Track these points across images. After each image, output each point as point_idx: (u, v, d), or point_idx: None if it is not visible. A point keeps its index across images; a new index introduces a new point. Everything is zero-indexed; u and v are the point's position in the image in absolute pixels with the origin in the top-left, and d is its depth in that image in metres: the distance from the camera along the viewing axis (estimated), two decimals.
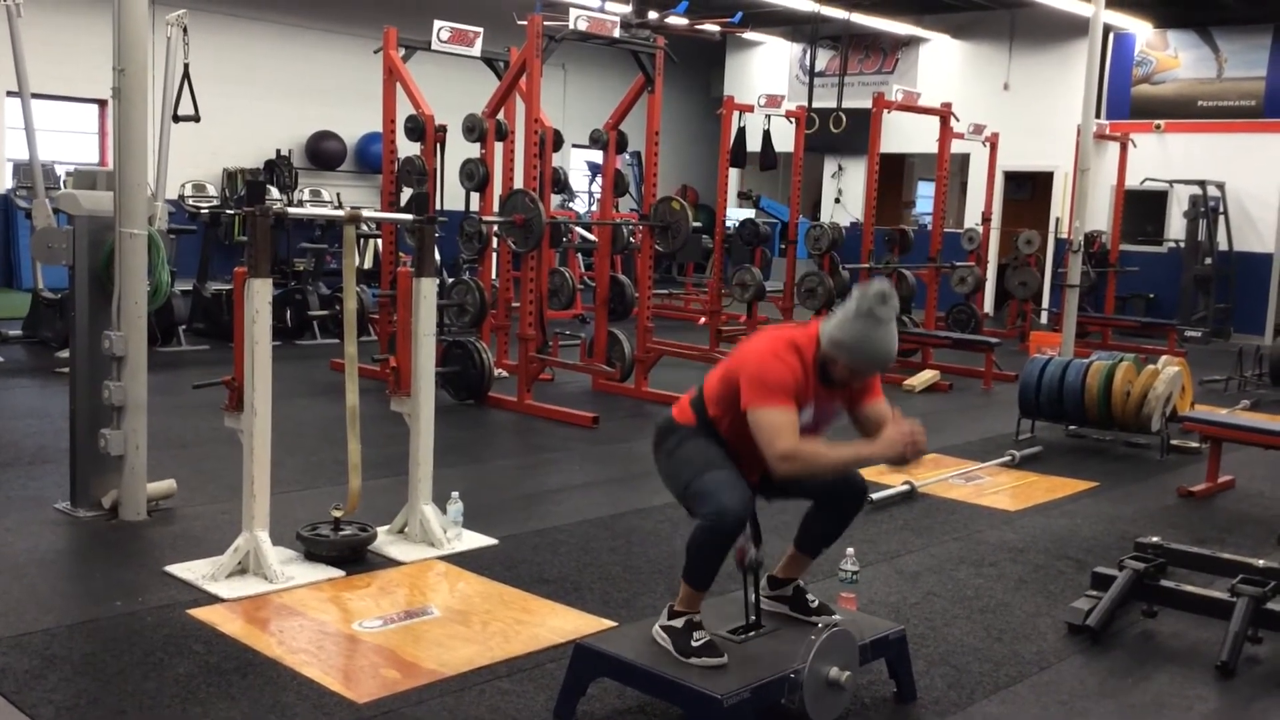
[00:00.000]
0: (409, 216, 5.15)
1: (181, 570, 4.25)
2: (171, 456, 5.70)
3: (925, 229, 14.12)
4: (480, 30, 8.61)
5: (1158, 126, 15.09)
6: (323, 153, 15.25)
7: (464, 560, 4.57)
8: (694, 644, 3.10)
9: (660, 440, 3.33)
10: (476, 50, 8.64)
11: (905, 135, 15.40)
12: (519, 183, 7.93)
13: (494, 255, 9.17)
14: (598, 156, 10.92)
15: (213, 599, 4.01)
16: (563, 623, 3.95)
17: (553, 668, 3.53)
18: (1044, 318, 14.63)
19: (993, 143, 12.83)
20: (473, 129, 8.79)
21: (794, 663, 2.95)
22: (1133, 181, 14.14)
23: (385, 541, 4.67)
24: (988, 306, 15.17)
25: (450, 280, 9.18)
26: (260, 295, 4.20)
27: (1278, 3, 13.65)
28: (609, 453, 6.80)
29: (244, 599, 4.03)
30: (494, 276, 9.12)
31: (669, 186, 16.44)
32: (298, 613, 3.95)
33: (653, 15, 10.75)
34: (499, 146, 8.99)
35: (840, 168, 18.20)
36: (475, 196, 9.04)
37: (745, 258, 12.44)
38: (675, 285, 16.43)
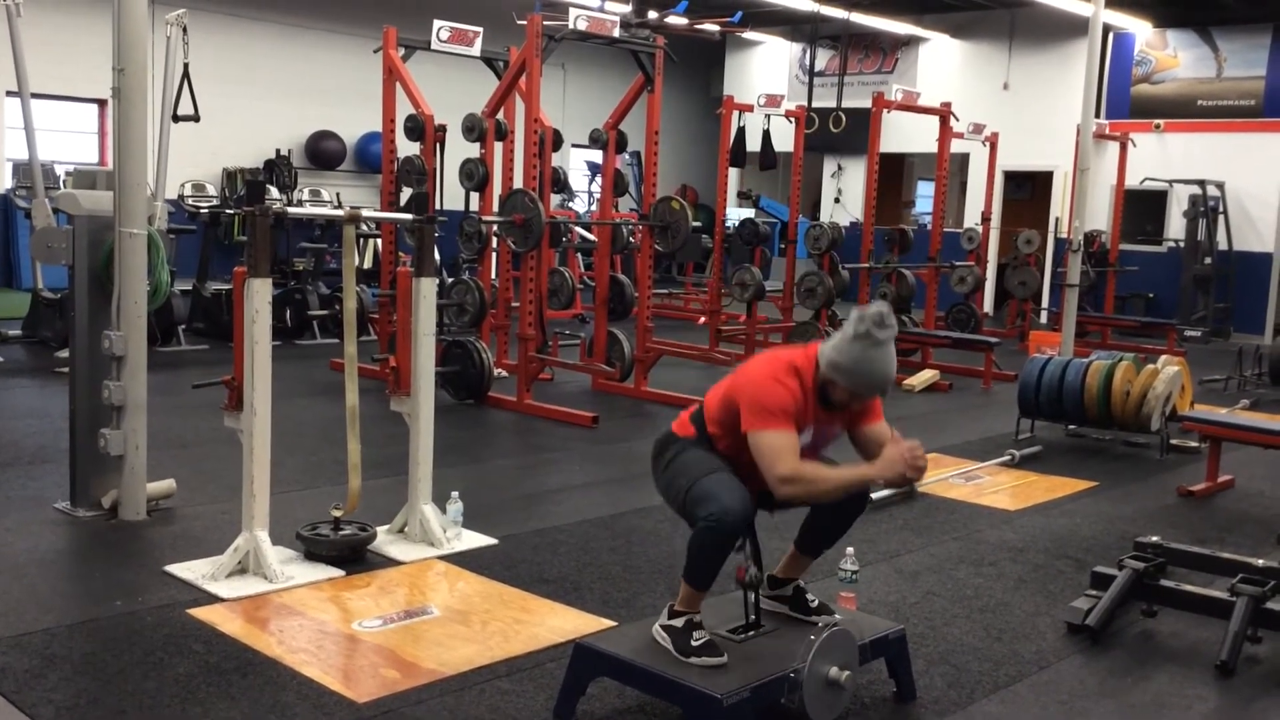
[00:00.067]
0: (409, 216, 5.15)
1: (181, 570, 4.25)
2: (171, 456, 5.70)
3: (925, 228, 14.12)
4: (480, 30, 8.61)
5: (1157, 126, 15.09)
6: (322, 152, 15.26)
7: (464, 560, 4.57)
8: (694, 643, 3.10)
9: (659, 453, 3.33)
10: (476, 50, 8.64)
11: (905, 135, 15.40)
12: (518, 182, 7.93)
13: (494, 255, 9.17)
14: (597, 156, 10.92)
15: (212, 599, 4.01)
16: (562, 622, 3.95)
17: (552, 667, 3.53)
18: (1043, 317, 14.63)
19: (992, 142, 12.83)
20: (472, 129, 8.79)
21: (794, 662, 2.95)
22: (1132, 181, 14.15)
23: (385, 541, 4.67)
24: (987, 306, 15.18)
25: (450, 280, 9.18)
26: (260, 295, 4.20)
27: (1277, 2, 13.65)
28: (609, 452, 6.80)
29: (244, 599, 4.03)
30: (494, 276, 9.12)
31: (668, 186, 16.44)
32: (297, 612, 3.95)
33: (652, 15, 10.76)
34: (499, 146, 9.00)
35: (840, 167, 18.21)
36: (475, 196, 9.04)
37: (745, 257, 12.44)
38: (675, 285, 16.43)
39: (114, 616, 3.83)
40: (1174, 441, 7.27)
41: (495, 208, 8.56)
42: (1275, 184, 14.30)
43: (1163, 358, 7.63)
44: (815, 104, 13.61)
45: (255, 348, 4.20)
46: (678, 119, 18.30)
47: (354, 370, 4.63)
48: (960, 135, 11.83)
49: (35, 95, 7.76)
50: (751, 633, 3.27)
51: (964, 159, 16.31)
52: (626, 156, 14.12)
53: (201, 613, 3.89)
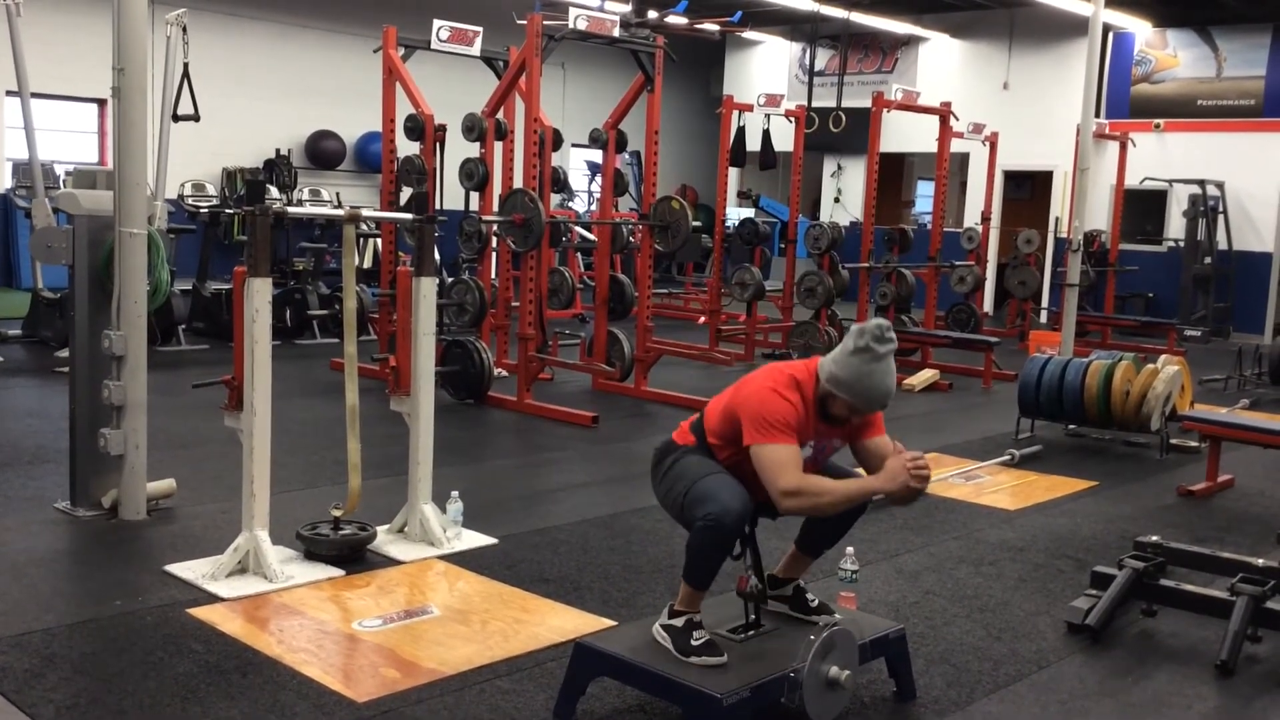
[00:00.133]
0: (408, 216, 5.15)
1: (181, 569, 4.25)
2: (171, 456, 5.70)
3: (925, 228, 14.12)
4: (480, 29, 8.61)
5: (1157, 126, 15.09)
6: (322, 152, 15.26)
7: (463, 559, 4.57)
8: (694, 643, 3.10)
9: (658, 461, 3.33)
10: (476, 49, 8.64)
11: (905, 134, 15.41)
12: (518, 182, 7.92)
13: (493, 254, 9.17)
14: (597, 156, 10.92)
15: (212, 598, 4.01)
16: (562, 622, 3.95)
17: (552, 667, 3.53)
18: (1043, 317, 14.64)
19: (992, 142, 12.84)
20: (472, 128, 8.79)
21: (794, 662, 2.95)
22: (1132, 181, 14.15)
23: (385, 541, 4.67)
24: (987, 306, 15.18)
25: (450, 280, 9.18)
26: (260, 294, 4.20)
27: (1277, 2, 13.65)
28: (609, 452, 6.80)
29: (244, 598, 4.03)
30: (493, 276, 9.12)
31: (668, 186, 16.44)
32: (297, 612, 3.95)
33: (652, 14, 10.76)
34: (498, 146, 9.00)
35: (840, 167, 18.21)
36: (475, 196, 9.04)
37: (745, 257, 12.46)
38: (675, 285, 16.43)
39: (114, 616, 3.83)
40: (1174, 441, 7.27)
41: (495, 207, 8.56)
42: (1275, 184, 14.31)
43: (1162, 357, 7.63)
44: (815, 104, 13.61)
45: (255, 347, 4.20)
46: (678, 119, 18.31)
47: (354, 370, 4.63)
48: (960, 135, 11.83)
49: (35, 95, 7.76)
50: (751, 632, 3.27)
51: (964, 159, 16.31)
52: (626, 156, 14.12)
53: (201, 612, 3.89)
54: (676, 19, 11.01)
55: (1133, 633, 4.13)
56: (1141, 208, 15.28)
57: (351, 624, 3.88)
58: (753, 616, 3.30)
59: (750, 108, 11.50)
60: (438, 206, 8.59)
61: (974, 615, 4.23)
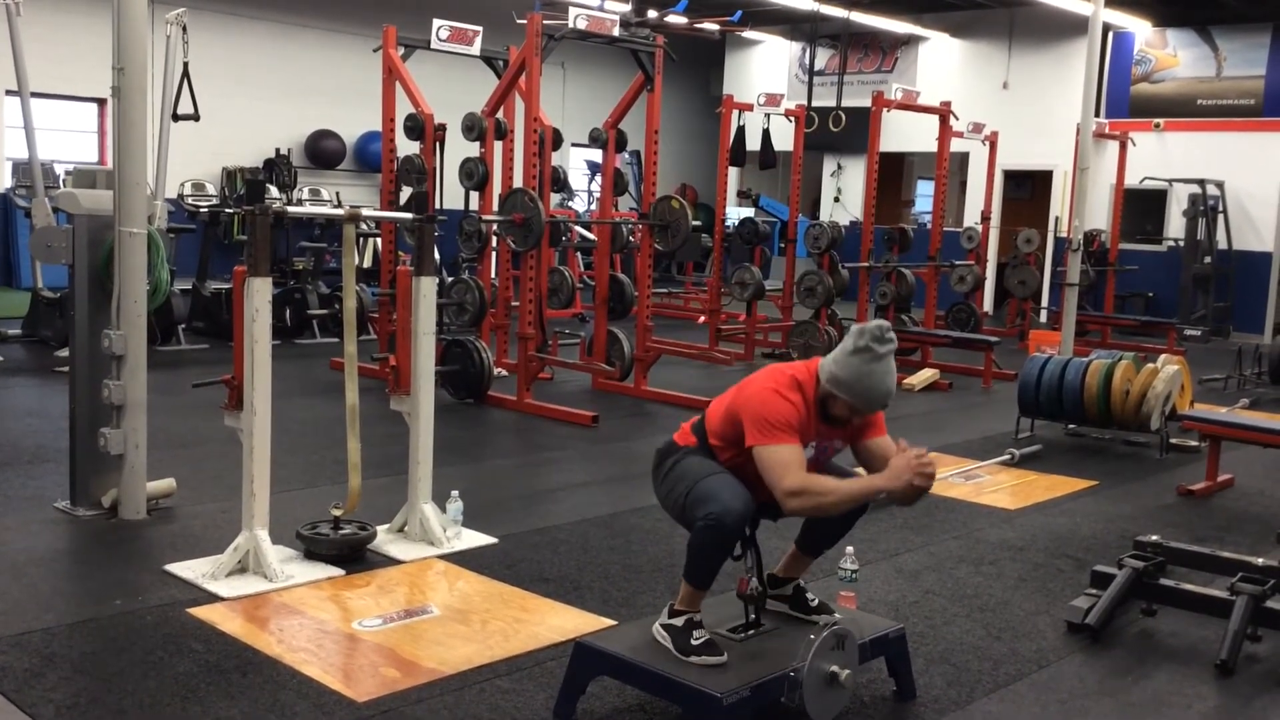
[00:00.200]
0: (408, 215, 5.15)
1: (181, 569, 4.25)
2: (171, 455, 5.70)
3: (925, 228, 14.12)
4: (479, 29, 8.61)
5: (1157, 125, 15.09)
6: (322, 151, 15.25)
7: (463, 559, 4.57)
8: (694, 642, 3.10)
9: (660, 462, 3.33)
10: (476, 49, 8.64)
11: (904, 134, 15.41)
12: (518, 181, 7.92)
13: (493, 254, 9.17)
14: (597, 155, 10.92)
15: (212, 598, 4.01)
16: (562, 621, 3.95)
17: (552, 666, 3.53)
18: (1043, 316, 14.64)
19: (992, 141, 12.84)
20: (472, 128, 8.79)
21: (794, 661, 2.95)
22: (1132, 180, 14.15)
23: (385, 540, 4.67)
24: (987, 305, 15.18)
25: (450, 279, 9.18)
26: (260, 294, 4.20)
27: (1277, 2, 13.65)
28: (608, 451, 6.80)
29: (244, 598, 4.03)
30: (493, 275, 9.12)
31: (668, 185, 16.44)
32: (297, 611, 3.95)
33: (652, 14, 10.76)
34: (498, 145, 8.99)
35: (839, 166, 18.21)
36: (475, 195, 9.04)
37: (745, 256, 12.46)
38: (675, 284, 16.43)
39: (114, 616, 3.83)
40: (1174, 440, 7.28)
41: (495, 207, 8.56)
42: (1275, 183, 14.31)
43: (1162, 357, 7.63)
44: (815, 103, 13.61)
45: (255, 347, 4.20)
46: (677, 118, 18.31)
47: (354, 369, 4.63)
48: (960, 134, 11.83)
49: (35, 94, 7.75)
50: (751, 632, 3.27)
51: (964, 158, 16.31)
52: (626, 155, 14.12)
53: (201, 612, 3.89)
54: (676, 18, 11.01)
55: (1132, 632, 4.13)
56: (1141, 207, 15.28)
57: (351, 623, 3.88)
58: (753, 616, 3.30)
59: (750, 107, 11.50)
60: (437, 206, 8.60)
61: (974, 615, 4.23)
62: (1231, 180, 14.36)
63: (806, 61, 16.88)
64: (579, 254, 13.39)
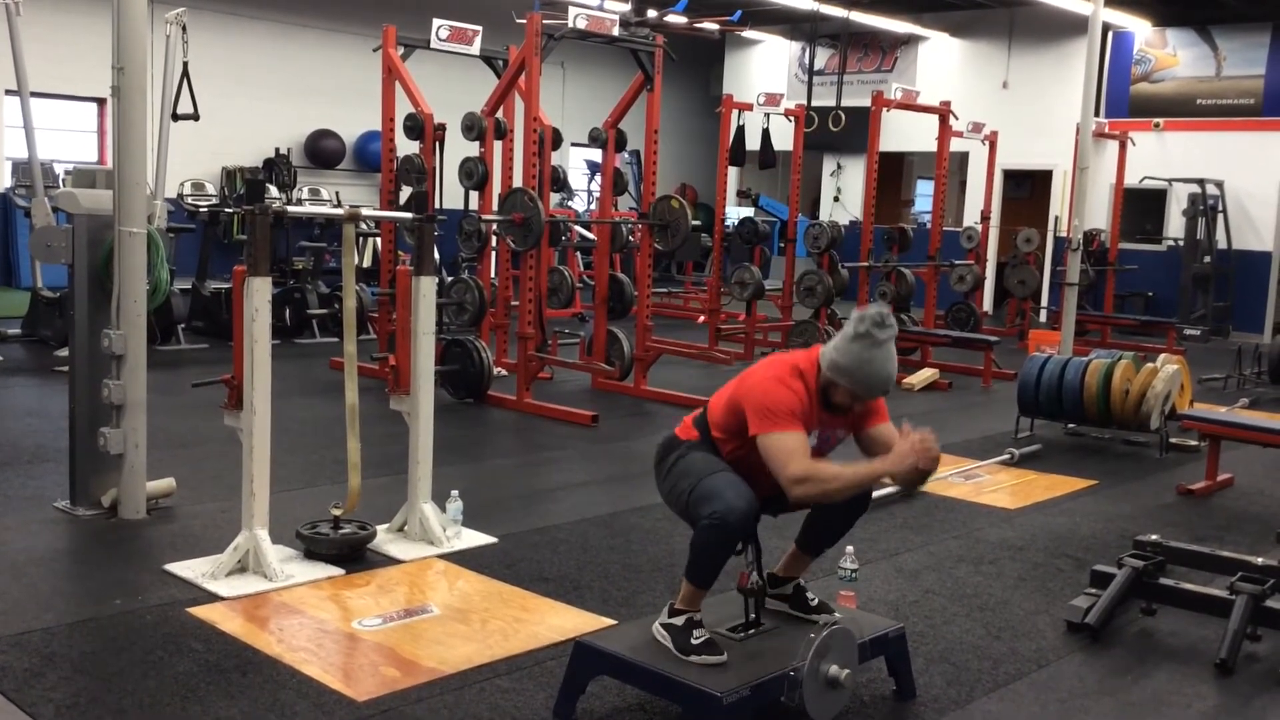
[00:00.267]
0: (408, 215, 5.15)
1: (181, 569, 4.25)
2: (171, 455, 5.70)
3: (924, 227, 14.12)
4: (479, 28, 8.61)
5: (1157, 125, 15.09)
6: (322, 151, 15.25)
7: (463, 558, 4.57)
8: (694, 642, 3.10)
9: (662, 457, 3.33)
10: (475, 49, 8.64)
11: (904, 134, 15.40)
12: (518, 181, 7.93)
13: (493, 254, 9.17)
14: (597, 155, 10.93)
15: (212, 597, 4.01)
16: (562, 621, 3.95)
17: (552, 665, 3.53)
18: (1043, 316, 14.64)
19: (992, 141, 12.84)
20: (472, 127, 8.79)
21: (793, 660, 2.95)
22: (1132, 180, 14.15)
23: (385, 540, 4.67)
24: (987, 305, 15.18)
25: (449, 279, 9.18)
26: (259, 294, 4.20)
27: (1276, 1, 13.65)
28: (608, 451, 6.80)
29: (244, 597, 4.03)
30: (493, 275, 9.12)
31: (668, 185, 16.44)
32: (297, 611, 3.95)
33: (652, 14, 10.77)
34: (498, 145, 9.00)
35: (839, 166, 18.21)
36: (474, 195, 9.04)
37: (744, 256, 12.46)
38: (674, 284, 16.43)
39: (114, 615, 3.83)
40: (1173, 440, 7.28)
41: (495, 206, 8.56)
42: (1274, 183, 14.31)
43: (1162, 356, 7.63)
44: (815, 103, 13.61)
45: (255, 346, 4.20)
46: (677, 118, 18.30)
47: (353, 369, 4.63)
48: (960, 134, 11.83)
49: (35, 94, 7.75)
50: (751, 631, 3.27)
51: (963, 158, 16.31)
52: (626, 155, 14.12)
53: (201, 611, 3.89)
54: (676, 18, 11.02)
55: (1132, 631, 4.13)
56: (1141, 207, 15.28)
57: (351, 623, 3.88)
58: (753, 615, 3.30)
59: (750, 107, 11.49)
60: (437, 205, 8.61)
61: (973, 614, 4.23)
62: (1231, 180, 14.36)
63: (806, 61, 16.88)
64: (579, 254, 13.39)
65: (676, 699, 3.06)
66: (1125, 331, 13.22)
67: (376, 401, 6.38)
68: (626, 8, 11.24)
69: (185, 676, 3.38)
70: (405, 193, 9.19)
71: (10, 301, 11.27)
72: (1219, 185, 14.29)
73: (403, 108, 8.70)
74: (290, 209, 4.96)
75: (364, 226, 10.46)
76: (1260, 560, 4.17)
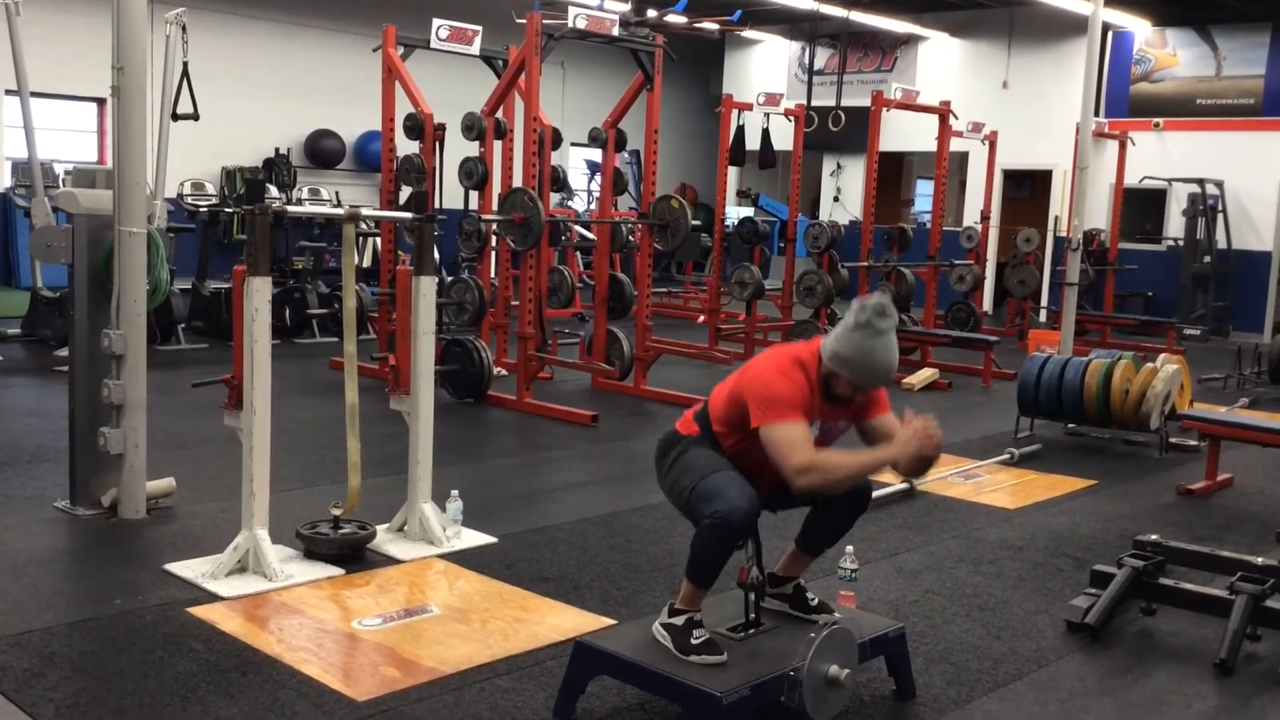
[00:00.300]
0: (408, 215, 5.15)
1: (181, 568, 4.25)
2: (171, 455, 5.70)
3: (924, 227, 14.12)
4: (479, 28, 8.61)
5: (1156, 125, 15.09)
6: (322, 151, 15.25)
7: (463, 558, 4.57)
8: (694, 641, 3.10)
9: (664, 453, 3.33)
10: (475, 48, 8.64)
11: (904, 133, 15.40)
12: (518, 181, 7.93)
13: (493, 253, 9.17)
14: (597, 155, 10.92)
15: (212, 597, 4.01)
16: (562, 620, 3.95)
17: (552, 665, 3.53)
18: (1043, 316, 14.64)
19: (992, 141, 12.84)
20: (471, 127, 8.79)
21: (793, 660, 2.95)
22: (1131, 180, 14.15)
23: (384, 540, 4.67)
24: (987, 304, 15.19)
25: (449, 278, 9.18)
26: (259, 293, 4.20)
27: (1276, 1, 13.65)
28: (608, 451, 6.80)
29: (243, 597, 4.03)
30: (493, 275, 9.12)
31: (668, 185, 16.44)
32: (297, 611, 3.95)
33: (652, 13, 10.77)
34: (498, 145, 9.00)
35: (839, 166, 18.21)
36: (474, 195, 9.05)
37: (744, 256, 12.46)
38: (674, 284, 16.43)
39: (114, 615, 3.83)
40: (1173, 440, 7.28)
41: (495, 206, 8.56)
42: (1274, 182, 14.31)
43: (1162, 356, 7.63)
44: (814, 102, 13.61)
45: (255, 346, 4.20)
46: (677, 117, 18.30)
47: (353, 369, 4.63)
48: (959, 134, 11.83)
49: (34, 94, 7.75)
50: (751, 631, 3.27)
51: (963, 157, 16.31)
52: (626, 155, 14.12)
53: (201, 611, 3.89)
54: (676, 18, 11.02)
55: (1132, 631, 4.13)
56: (1141, 207, 15.28)
57: (351, 623, 3.88)
58: (752, 615, 3.30)
59: (750, 106, 11.49)
60: (437, 205, 8.61)
61: (973, 614, 4.23)
62: (1231, 180, 14.36)
63: (806, 61, 16.88)
64: (578, 253, 13.39)
65: (676, 699, 3.06)
66: (1125, 331, 13.22)
67: (376, 401, 6.38)
68: (626, 8, 11.25)
69: (185, 676, 3.38)
70: (405, 193, 9.19)
71: (10, 301, 11.27)
72: (1219, 185, 14.29)
73: (403, 108, 8.70)
74: (290, 209, 4.96)
75: (364, 226, 10.46)
76: (1260, 560, 4.18)
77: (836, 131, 12.96)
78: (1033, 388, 7.36)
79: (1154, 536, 4.35)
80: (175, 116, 8.01)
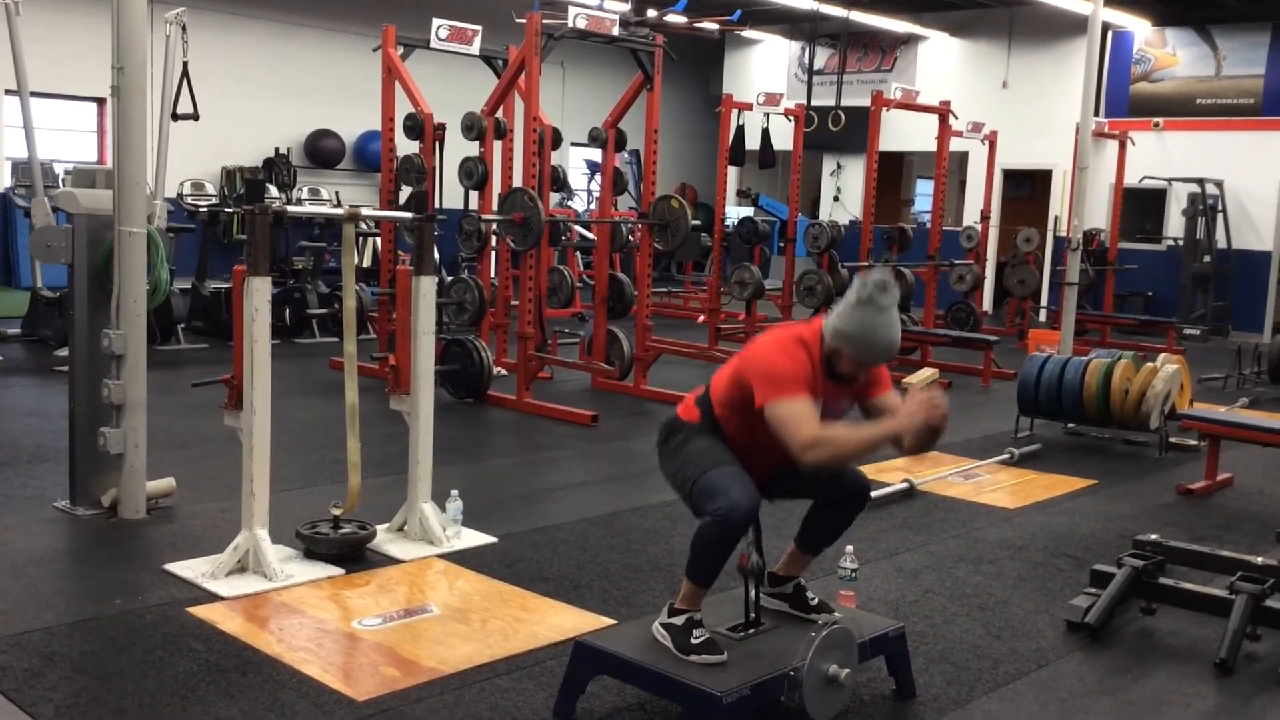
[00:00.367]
0: (408, 215, 5.15)
1: (181, 568, 4.26)
2: (171, 455, 5.70)
3: (924, 227, 14.12)
4: (479, 28, 8.61)
5: (1156, 124, 15.09)
6: (321, 151, 15.25)
7: (463, 558, 4.57)
8: (694, 641, 3.10)
9: (665, 438, 3.33)
10: (475, 48, 8.64)
11: (904, 133, 15.40)
12: (518, 181, 7.93)
13: (493, 253, 9.17)
14: (597, 155, 10.92)
15: (212, 597, 4.01)
16: (562, 620, 3.95)
17: (552, 665, 3.53)
18: (1043, 315, 14.64)
19: (991, 141, 12.84)
20: (471, 127, 8.79)
21: (793, 660, 2.95)
22: (1131, 179, 14.15)
23: (384, 539, 4.67)
24: (986, 304, 15.19)
25: (449, 278, 9.18)
26: (259, 293, 4.20)
27: (1276, 1, 13.65)
28: (608, 451, 6.80)
29: (243, 597, 4.03)
30: (493, 275, 9.12)
31: (668, 185, 16.44)
32: (297, 611, 3.95)
33: (651, 13, 10.78)
34: (498, 145, 9.00)
35: (839, 166, 18.21)
36: (474, 195, 9.05)
37: (744, 256, 12.46)
38: (674, 283, 16.43)
39: (114, 615, 3.83)
40: (1173, 440, 7.28)
41: (494, 206, 8.56)
42: (1274, 182, 14.31)
43: (1162, 356, 7.63)
44: (814, 102, 13.61)
45: (255, 346, 4.21)
46: (677, 117, 18.30)
47: (353, 369, 4.63)
48: (959, 134, 11.83)
49: (34, 94, 7.75)
50: (751, 630, 3.27)
51: (963, 157, 16.31)
52: (626, 155, 14.12)
53: (201, 611, 3.89)
54: (676, 18, 11.02)
55: (1132, 631, 4.13)
56: (1140, 206, 15.28)
57: (351, 623, 3.88)
58: (753, 615, 3.30)
59: (749, 106, 11.49)
60: (437, 205, 8.61)
61: (973, 614, 4.23)
62: (1231, 179, 14.36)
63: (806, 61, 16.87)
64: (578, 253, 13.39)
65: (676, 699, 3.06)
66: (1125, 331, 13.22)
67: (376, 401, 6.38)
68: (626, 7, 11.25)
69: (185, 676, 3.38)
70: (405, 192, 9.19)
71: (10, 301, 11.27)
72: (1219, 185, 14.29)
73: (403, 107, 8.70)
74: (290, 209, 4.96)
75: (364, 226, 10.46)
76: (1260, 560, 4.18)
77: (836, 131, 12.96)
78: (1032, 387, 7.37)
79: (1154, 536, 4.35)
80: (175, 116, 8.01)
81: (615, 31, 7.95)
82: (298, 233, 12.77)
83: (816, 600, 3.49)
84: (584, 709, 3.25)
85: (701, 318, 12.43)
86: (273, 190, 13.35)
